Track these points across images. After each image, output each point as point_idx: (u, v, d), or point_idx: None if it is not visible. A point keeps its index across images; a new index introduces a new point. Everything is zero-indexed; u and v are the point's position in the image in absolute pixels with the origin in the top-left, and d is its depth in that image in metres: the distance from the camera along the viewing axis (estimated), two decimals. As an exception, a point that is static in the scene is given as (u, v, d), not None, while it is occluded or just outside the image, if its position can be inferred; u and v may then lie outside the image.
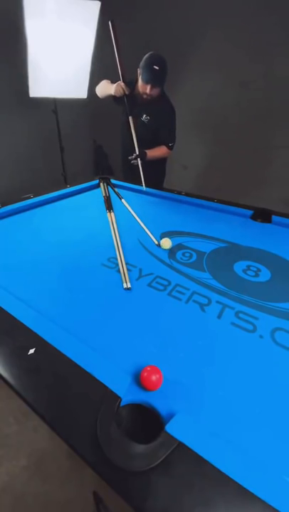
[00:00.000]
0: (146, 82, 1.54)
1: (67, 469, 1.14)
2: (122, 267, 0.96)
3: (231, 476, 0.41)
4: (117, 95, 1.65)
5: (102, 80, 1.87)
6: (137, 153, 1.68)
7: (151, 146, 1.78)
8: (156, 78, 1.53)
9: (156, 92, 1.62)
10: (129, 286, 0.87)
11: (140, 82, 1.60)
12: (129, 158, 1.73)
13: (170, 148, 1.80)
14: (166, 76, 1.57)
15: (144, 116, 1.69)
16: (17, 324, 0.68)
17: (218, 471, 0.41)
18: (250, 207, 1.52)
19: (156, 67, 1.51)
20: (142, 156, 1.71)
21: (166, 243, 1.13)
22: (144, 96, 1.63)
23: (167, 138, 1.75)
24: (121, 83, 1.60)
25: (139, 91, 1.65)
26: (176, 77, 2.84)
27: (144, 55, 1.60)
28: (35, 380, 0.56)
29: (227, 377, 0.61)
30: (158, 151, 1.78)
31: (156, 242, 1.17)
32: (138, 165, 1.70)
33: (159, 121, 1.70)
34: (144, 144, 1.74)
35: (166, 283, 0.92)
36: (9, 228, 1.28)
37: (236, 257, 1.09)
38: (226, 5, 2.32)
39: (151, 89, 1.58)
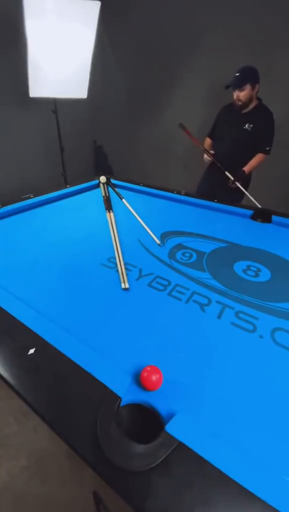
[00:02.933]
0: (231, 87, 1.85)
1: (67, 469, 1.14)
2: (121, 267, 0.96)
3: (231, 476, 0.41)
4: (207, 161, 2.15)
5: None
6: (232, 178, 1.95)
7: (248, 151, 1.98)
8: (236, 82, 1.80)
9: (243, 96, 1.83)
10: (127, 286, 0.87)
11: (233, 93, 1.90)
12: (230, 185, 1.98)
13: (267, 152, 1.96)
14: (248, 80, 1.79)
15: (247, 125, 1.91)
16: (17, 324, 0.68)
17: (218, 471, 0.41)
18: (250, 207, 1.52)
19: (237, 74, 1.80)
20: (240, 176, 1.96)
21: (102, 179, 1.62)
22: (236, 102, 1.89)
23: (267, 142, 1.93)
24: (206, 155, 2.09)
25: (234, 101, 1.92)
26: (176, 76, 2.86)
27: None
28: (35, 380, 0.56)
29: (227, 377, 0.61)
30: (256, 162, 1.97)
31: (158, 242, 1.17)
32: (238, 186, 1.95)
33: (261, 127, 1.90)
34: (242, 150, 1.98)
35: (166, 283, 0.92)
36: (9, 228, 1.28)
37: (236, 257, 1.09)
38: (226, 4, 2.32)
39: (237, 93, 1.84)
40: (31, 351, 0.61)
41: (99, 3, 2.25)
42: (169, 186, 1.82)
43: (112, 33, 3.01)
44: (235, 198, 2.11)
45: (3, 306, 0.74)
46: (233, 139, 1.99)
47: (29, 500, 1.06)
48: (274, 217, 1.40)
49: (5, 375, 0.56)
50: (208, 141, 2.22)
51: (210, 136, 2.20)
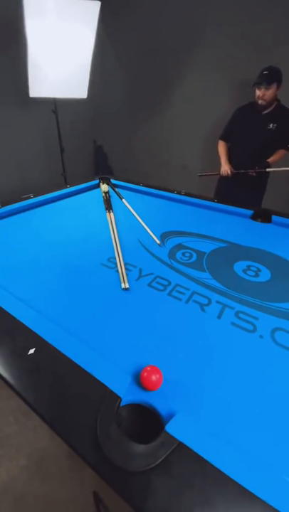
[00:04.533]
0: (257, 84, 1.82)
1: (67, 469, 1.14)
2: (121, 267, 0.96)
3: (231, 476, 0.41)
4: (223, 175, 2.11)
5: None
6: (260, 166, 1.94)
7: (270, 150, 1.98)
8: (265, 80, 1.77)
9: (269, 95, 1.81)
10: (127, 286, 0.87)
11: (256, 91, 1.86)
12: (254, 171, 1.96)
13: (288, 149, 1.97)
14: (276, 79, 1.76)
15: (271, 124, 1.91)
16: (17, 324, 0.68)
17: (218, 471, 0.41)
18: (250, 207, 1.52)
19: (265, 72, 1.77)
20: (268, 165, 1.97)
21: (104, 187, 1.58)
22: (260, 102, 1.85)
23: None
24: (227, 170, 2.07)
25: (256, 101, 1.88)
26: (176, 76, 2.85)
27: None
28: (35, 380, 0.56)
29: (227, 377, 0.61)
30: (279, 156, 1.98)
31: (158, 242, 1.17)
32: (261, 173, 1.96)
33: (284, 125, 1.89)
34: (267, 150, 1.97)
35: (166, 283, 0.92)
36: (9, 228, 1.28)
37: (236, 257, 1.09)
38: (228, 4, 2.32)
39: (263, 91, 1.81)
40: (31, 351, 0.61)
41: (99, 3, 2.25)
42: (169, 186, 1.82)
43: (112, 32, 3.01)
44: (256, 197, 2.12)
45: (3, 306, 0.74)
46: (257, 140, 1.96)
47: (29, 500, 1.06)
48: (274, 217, 1.40)
49: (5, 375, 0.56)
50: (222, 144, 2.14)
51: (224, 139, 2.14)
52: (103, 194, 1.65)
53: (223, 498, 0.39)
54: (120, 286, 0.89)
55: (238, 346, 0.69)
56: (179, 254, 1.10)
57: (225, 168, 2.08)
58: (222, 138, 2.15)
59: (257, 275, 0.98)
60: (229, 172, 2.06)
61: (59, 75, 2.46)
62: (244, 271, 1.00)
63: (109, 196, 1.62)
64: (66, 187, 1.73)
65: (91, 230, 1.28)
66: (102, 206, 1.53)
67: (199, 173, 2.13)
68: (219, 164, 2.15)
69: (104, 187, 1.73)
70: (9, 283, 0.87)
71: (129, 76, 3.20)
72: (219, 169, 2.13)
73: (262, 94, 1.81)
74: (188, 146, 3.10)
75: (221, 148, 2.14)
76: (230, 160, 2.11)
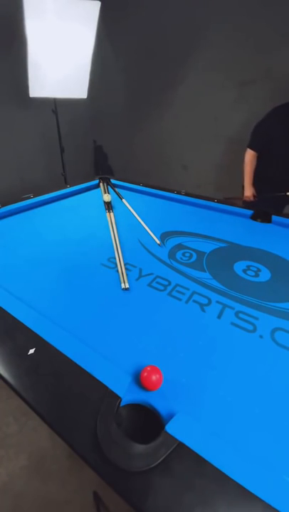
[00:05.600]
0: None
1: (67, 469, 1.14)
2: (121, 267, 0.96)
3: (231, 476, 0.41)
4: (247, 200, 1.93)
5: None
6: None
7: None
8: None
9: None
10: (127, 286, 0.87)
11: None
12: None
13: None
14: None
15: None
16: (17, 324, 0.68)
17: (218, 471, 0.41)
18: (251, 207, 1.52)
19: None
20: None
21: (106, 197, 1.48)
22: None
23: None
24: (250, 197, 1.91)
25: None
26: (176, 76, 2.86)
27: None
28: (35, 380, 0.56)
29: (227, 377, 0.61)
30: None
31: (158, 242, 1.17)
32: None
33: None
34: None
35: (166, 283, 0.92)
36: (9, 228, 1.28)
37: (236, 257, 1.09)
38: (228, 4, 2.32)
39: None
40: (31, 351, 0.61)
41: (99, 3, 2.25)
42: (169, 186, 1.82)
43: (112, 33, 3.01)
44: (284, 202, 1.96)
45: (3, 306, 0.74)
46: None
47: (29, 500, 1.06)
48: (274, 217, 1.40)
49: (5, 375, 0.56)
50: (251, 155, 1.85)
51: (254, 148, 1.84)
52: (105, 205, 1.52)
53: (223, 498, 0.39)
54: (120, 286, 0.89)
55: (238, 346, 0.69)
56: (179, 254, 1.10)
57: (247, 195, 1.88)
58: (252, 146, 1.83)
59: (257, 275, 0.98)
60: (252, 198, 1.88)
61: (59, 75, 2.46)
62: (244, 271, 1.00)
63: (112, 207, 1.51)
64: (66, 187, 1.73)
65: (91, 230, 1.28)
66: (102, 206, 1.53)
67: (226, 196, 1.93)
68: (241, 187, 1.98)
69: (107, 197, 1.55)
70: (9, 283, 0.87)
71: (129, 76, 3.20)
72: (242, 192, 1.95)
73: None
74: (188, 146, 3.10)
75: (248, 165, 1.88)
76: (266, 171, 1.87)
